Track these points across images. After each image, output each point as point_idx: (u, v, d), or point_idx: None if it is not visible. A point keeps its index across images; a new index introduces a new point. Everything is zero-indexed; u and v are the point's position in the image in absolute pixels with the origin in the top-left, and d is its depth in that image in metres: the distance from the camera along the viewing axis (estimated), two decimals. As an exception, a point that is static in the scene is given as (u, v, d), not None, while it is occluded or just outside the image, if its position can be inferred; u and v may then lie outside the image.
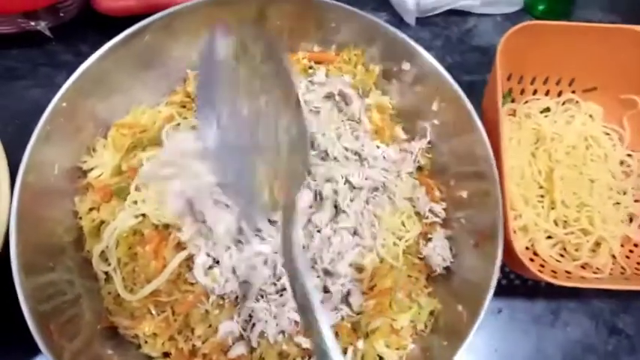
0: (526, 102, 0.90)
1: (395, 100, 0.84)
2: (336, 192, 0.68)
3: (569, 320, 0.86)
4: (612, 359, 0.85)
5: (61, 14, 0.91)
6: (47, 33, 0.90)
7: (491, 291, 0.65)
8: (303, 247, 0.67)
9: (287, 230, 0.54)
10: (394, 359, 0.71)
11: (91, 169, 0.76)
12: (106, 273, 0.73)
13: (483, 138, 0.71)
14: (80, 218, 0.75)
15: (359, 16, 0.79)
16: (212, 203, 0.67)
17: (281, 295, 0.67)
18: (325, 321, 0.46)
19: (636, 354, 0.85)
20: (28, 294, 0.64)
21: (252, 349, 0.68)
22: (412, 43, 0.76)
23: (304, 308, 0.48)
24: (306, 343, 0.68)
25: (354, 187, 0.70)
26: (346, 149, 0.72)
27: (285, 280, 0.66)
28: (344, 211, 0.68)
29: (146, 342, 0.71)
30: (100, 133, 0.79)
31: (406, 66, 0.78)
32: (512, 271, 0.86)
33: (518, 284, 0.87)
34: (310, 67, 0.82)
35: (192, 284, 0.68)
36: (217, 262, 0.68)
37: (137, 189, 0.71)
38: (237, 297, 0.68)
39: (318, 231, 0.67)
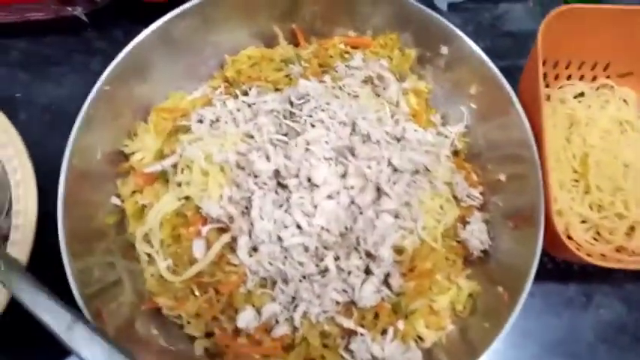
0: (560, 87, 0.90)
1: (430, 85, 0.84)
2: (378, 174, 0.69)
3: (601, 303, 0.87)
4: (644, 342, 0.86)
5: (96, 0, 0.92)
6: (84, 18, 0.91)
7: (533, 273, 0.66)
8: (346, 229, 0.68)
9: None
10: (433, 339, 0.72)
11: (133, 152, 0.77)
12: (149, 255, 0.74)
13: (523, 121, 0.71)
14: (123, 201, 0.76)
15: (394, 1, 0.80)
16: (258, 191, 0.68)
17: (323, 276, 0.68)
18: None
19: (669, 336, 0.85)
20: (77, 277, 0.66)
21: (294, 329, 0.69)
22: (450, 25, 0.77)
23: None
24: (347, 323, 0.69)
25: (396, 170, 0.71)
26: (386, 133, 0.72)
27: (327, 262, 0.67)
28: (386, 194, 0.69)
29: (189, 322, 0.73)
30: (140, 117, 0.80)
31: (444, 50, 0.79)
32: (545, 255, 0.87)
33: (551, 268, 0.87)
34: (347, 52, 0.83)
35: (235, 265, 0.70)
36: (255, 250, 0.69)
37: (181, 171, 0.72)
38: (280, 278, 0.69)
39: (361, 213, 0.68)
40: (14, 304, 0.61)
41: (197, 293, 0.71)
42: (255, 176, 0.68)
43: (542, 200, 0.68)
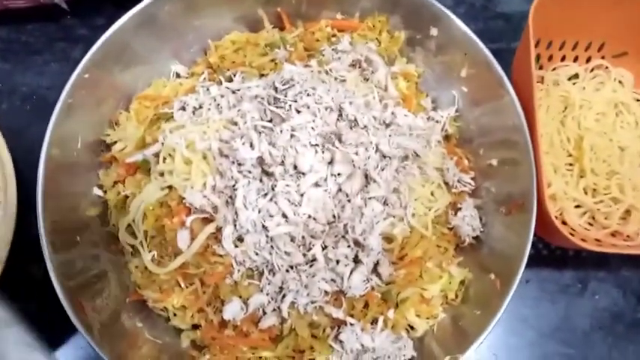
0: (554, 69, 0.87)
1: (420, 69, 0.82)
2: (366, 161, 0.67)
3: (597, 289, 0.86)
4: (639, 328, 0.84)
5: (77, -13, 0.89)
6: (64, 6, 0.89)
7: (525, 259, 0.64)
8: (334, 217, 0.66)
9: None
10: (425, 328, 0.70)
11: (115, 142, 0.75)
12: (133, 246, 0.73)
13: (515, 105, 0.69)
14: (105, 192, 0.74)
15: (382, -18, 0.77)
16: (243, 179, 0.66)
17: (311, 266, 0.66)
18: None
19: (665, 322, 0.84)
20: (58, 269, 0.64)
21: (282, 320, 0.68)
22: (439, 5, 0.74)
23: None
24: (336, 313, 0.67)
25: (385, 156, 0.69)
26: (374, 118, 0.70)
27: (315, 251, 0.66)
28: (374, 180, 0.67)
29: (175, 314, 0.71)
30: (122, 106, 0.78)
31: (434, 31, 0.76)
32: (539, 241, 0.85)
33: (545, 254, 0.86)
34: (334, 36, 0.80)
35: (220, 256, 0.68)
36: (241, 241, 0.68)
37: (163, 160, 0.70)
38: (266, 268, 0.67)
39: (349, 200, 0.66)
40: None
41: (182, 285, 0.70)
42: (240, 164, 0.66)
43: (534, 186, 0.66)
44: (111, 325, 0.68)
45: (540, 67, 0.87)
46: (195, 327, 0.71)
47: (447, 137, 0.79)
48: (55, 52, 0.94)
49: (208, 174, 0.67)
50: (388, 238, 0.69)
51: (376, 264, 0.68)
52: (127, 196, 0.72)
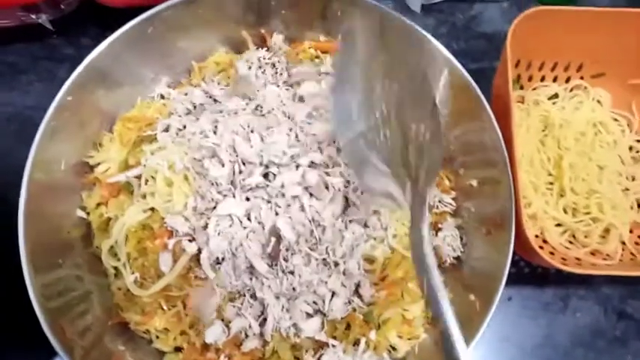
0: (534, 89, 0.89)
1: (402, 89, 0.83)
2: (346, 184, 0.67)
3: (578, 307, 0.87)
4: (621, 344, 0.85)
5: (62, 7, 0.89)
6: (48, 26, 0.89)
7: (504, 279, 0.65)
8: (314, 238, 0.66)
9: (418, 224, 0.54)
10: (406, 349, 0.71)
11: (98, 164, 0.75)
12: (116, 268, 0.73)
13: (494, 125, 0.70)
14: (88, 214, 0.74)
15: (364, 4, 0.78)
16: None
17: (293, 290, 0.67)
18: (450, 312, 0.50)
19: (645, 338, 0.85)
20: (39, 291, 0.64)
21: (265, 343, 0.68)
22: (418, 28, 0.75)
23: (432, 300, 0.51)
24: (319, 335, 0.68)
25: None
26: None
27: (294, 278, 0.66)
28: (354, 204, 0.67)
29: (157, 337, 0.71)
30: (107, 127, 0.78)
31: (414, 54, 0.77)
32: (521, 260, 0.86)
33: (527, 272, 0.87)
34: (317, 57, 0.81)
35: (202, 279, 0.68)
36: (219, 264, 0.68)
37: (145, 182, 0.70)
38: (247, 292, 0.67)
39: (328, 224, 0.67)
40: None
41: (165, 307, 0.70)
42: (217, 184, 0.66)
43: (512, 205, 0.67)
44: (93, 348, 0.68)
45: (521, 87, 0.89)
46: (178, 349, 0.71)
47: (428, 157, 0.80)
48: (41, 71, 0.94)
49: (190, 195, 0.68)
50: (369, 260, 0.70)
51: (357, 285, 0.69)
52: (109, 218, 0.72)
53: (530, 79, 0.88)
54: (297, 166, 0.66)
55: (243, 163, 0.65)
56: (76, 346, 0.65)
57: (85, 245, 0.75)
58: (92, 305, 0.71)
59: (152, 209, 0.70)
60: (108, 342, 0.70)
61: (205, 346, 0.68)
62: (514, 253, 0.84)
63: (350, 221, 0.67)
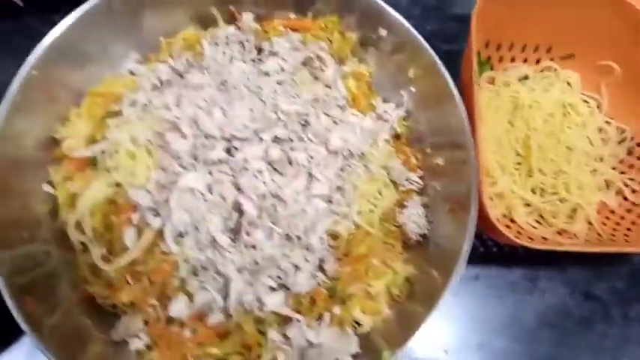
0: (505, 70, 0.89)
1: (373, 69, 0.83)
2: (309, 159, 0.67)
3: (545, 287, 0.88)
4: (587, 324, 0.87)
5: (33, -17, 0.89)
6: (20, 3, 0.88)
7: (464, 255, 0.66)
8: (275, 211, 0.66)
9: None
10: (370, 324, 0.72)
11: (65, 138, 0.75)
12: (83, 244, 0.73)
13: (459, 108, 0.71)
14: (55, 188, 0.74)
15: (335, -17, 0.78)
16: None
17: (256, 264, 0.67)
18: None
19: (610, 319, 0.86)
20: (5, 267, 0.64)
21: (229, 317, 0.68)
22: (388, 9, 0.75)
23: None
24: (282, 309, 0.68)
25: (330, 152, 0.69)
26: (325, 114, 0.71)
27: (257, 252, 0.66)
28: (317, 179, 0.68)
29: (124, 312, 0.71)
30: (76, 102, 0.78)
31: (383, 32, 0.78)
32: (489, 239, 0.87)
33: (495, 252, 0.88)
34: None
35: (167, 253, 0.68)
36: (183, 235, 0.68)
37: (109, 156, 0.70)
38: (211, 266, 0.68)
39: (290, 198, 0.67)
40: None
41: (131, 282, 0.70)
42: (179, 157, 0.66)
43: (474, 185, 0.68)
44: (62, 324, 0.68)
45: (491, 68, 0.89)
46: (145, 323, 0.71)
47: (397, 136, 0.81)
48: (13, 48, 0.92)
49: (152, 169, 0.68)
50: (333, 235, 0.70)
51: (322, 261, 0.69)
52: (76, 193, 0.72)
53: (500, 59, 0.89)
54: (261, 141, 0.66)
55: (206, 137, 0.65)
56: (44, 322, 0.65)
57: (53, 220, 0.74)
58: (60, 281, 0.71)
59: (118, 184, 0.70)
60: (75, 317, 0.70)
61: (170, 320, 0.69)
62: (482, 233, 0.86)
63: (313, 196, 0.68)
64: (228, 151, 0.66)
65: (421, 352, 0.84)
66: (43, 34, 0.93)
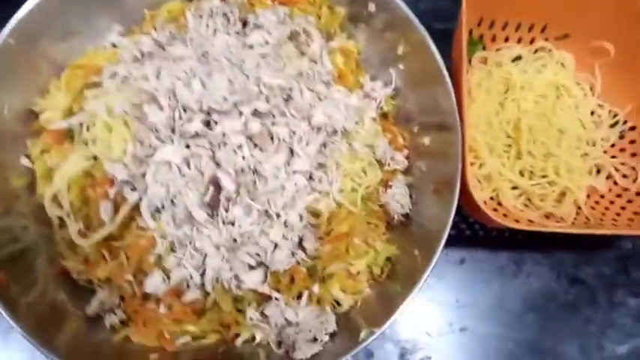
0: (498, 49, 0.87)
1: (362, 46, 0.81)
2: (291, 135, 0.66)
3: (531, 271, 0.87)
4: (572, 308, 0.86)
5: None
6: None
7: (445, 235, 0.64)
8: (255, 186, 0.65)
9: None
10: (350, 303, 0.71)
11: (43, 110, 0.73)
12: (60, 218, 0.71)
13: (449, 88, 0.69)
14: (33, 162, 0.73)
15: (324, -44, 0.76)
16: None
17: (234, 241, 0.66)
18: None
19: (596, 303, 0.85)
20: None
21: (206, 294, 0.67)
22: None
23: None
24: (261, 287, 0.67)
25: (312, 128, 0.68)
26: (308, 89, 0.69)
27: (234, 229, 0.65)
28: (298, 155, 0.66)
29: (100, 287, 0.70)
30: (57, 75, 0.76)
31: (372, 7, 0.75)
32: (476, 222, 0.86)
33: (482, 235, 0.86)
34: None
35: (144, 229, 0.67)
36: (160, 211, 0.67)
37: (87, 129, 0.68)
38: (189, 243, 0.67)
39: (270, 174, 0.66)
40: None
41: (107, 257, 0.69)
42: (156, 130, 0.64)
43: (459, 166, 0.66)
44: (38, 301, 0.67)
45: (484, 48, 0.87)
46: (121, 299, 0.70)
47: (384, 115, 0.79)
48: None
49: (129, 141, 0.66)
50: (314, 214, 0.69)
51: (302, 239, 0.68)
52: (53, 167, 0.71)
53: (493, 39, 0.86)
54: (240, 115, 0.64)
55: (184, 110, 0.64)
56: (20, 299, 0.64)
57: (31, 194, 0.73)
58: (37, 255, 0.70)
59: (95, 157, 0.69)
60: (52, 293, 0.69)
61: (145, 296, 0.68)
62: (468, 216, 0.84)
63: (293, 172, 0.66)
64: (207, 124, 0.65)
65: (405, 334, 0.83)
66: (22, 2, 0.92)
